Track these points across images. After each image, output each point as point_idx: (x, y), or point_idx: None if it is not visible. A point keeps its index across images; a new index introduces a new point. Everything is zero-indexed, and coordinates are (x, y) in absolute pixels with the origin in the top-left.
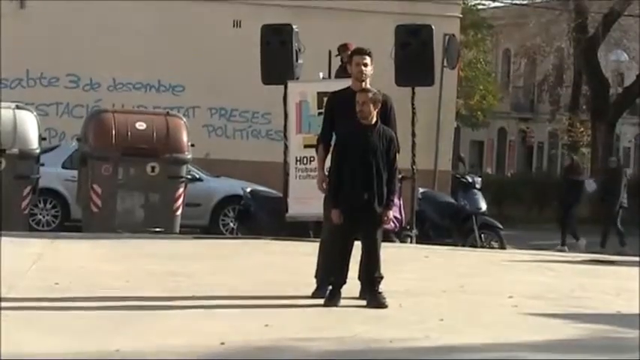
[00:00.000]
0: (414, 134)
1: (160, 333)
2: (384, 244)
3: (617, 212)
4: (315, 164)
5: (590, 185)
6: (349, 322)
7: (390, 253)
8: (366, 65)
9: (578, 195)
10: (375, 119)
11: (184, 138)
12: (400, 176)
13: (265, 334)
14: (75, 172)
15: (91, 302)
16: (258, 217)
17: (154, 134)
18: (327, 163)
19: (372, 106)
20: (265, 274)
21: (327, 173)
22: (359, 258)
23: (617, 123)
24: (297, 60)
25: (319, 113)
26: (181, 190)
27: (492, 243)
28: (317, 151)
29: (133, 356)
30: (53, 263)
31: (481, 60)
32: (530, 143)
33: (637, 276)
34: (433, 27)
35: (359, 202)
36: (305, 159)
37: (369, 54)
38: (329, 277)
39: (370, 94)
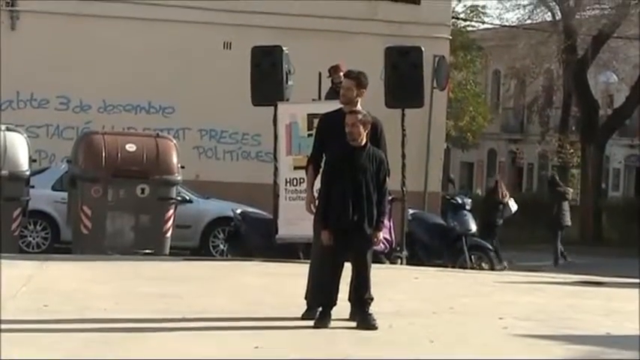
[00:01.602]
0: (403, 156)
1: (150, 355)
2: (374, 266)
3: (558, 231)
4: (305, 186)
5: (512, 206)
6: (339, 343)
7: (380, 274)
8: (350, 90)
9: (498, 215)
10: (364, 141)
11: (174, 159)
12: (390, 198)
13: (255, 355)
14: (65, 194)
15: (80, 324)
16: (248, 238)
17: (144, 156)
18: (317, 184)
19: (361, 127)
20: (255, 295)
21: (316, 195)
22: (349, 279)
23: (606, 144)
24: (287, 81)
25: (309, 135)
26: (171, 211)
27: (482, 264)
28: (307, 172)
29: None
30: (43, 285)
31: (471, 81)
32: (520, 164)
33: (626, 297)
34: (423, 48)
35: (349, 223)
36: (295, 180)
37: (355, 77)
38: (319, 298)
39: (360, 116)
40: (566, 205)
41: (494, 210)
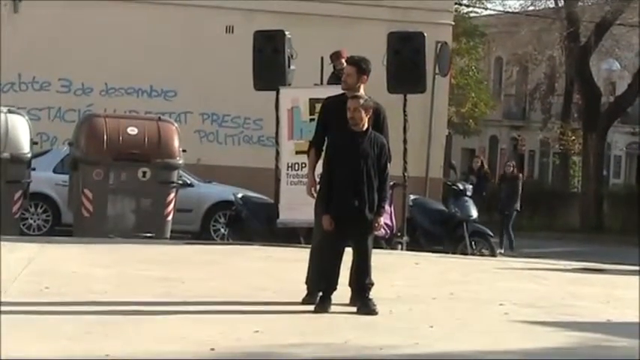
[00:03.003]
0: (405, 141)
1: (150, 338)
2: (374, 251)
3: (511, 217)
4: (306, 170)
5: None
6: (340, 328)
7: (380, 259)
8: (352, 76)
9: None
10: (366, 126)
11: (176, 143)
12: (391, 183)
13: (255, 339)
14: (66, 177)
15: (81, 307)
16: (250, 223)
17: (146, 139)
18: (319, 169)
19: (363, 112)
20: (256, 279)
21: (318, 179)
22: (350, 264)
23: (608, 132)
24: (289, 66)
25: (311, 119)
26: (172, 195)
27: (483, 250)
28: (308, 156)
29: None
30: (44, 268)
31: (473, 68)
32: (522, 151)
33: (627, 284)
34: (425, 34)
35: (350, 208)
36: (296, 165)
37: (356, 64)
38: (320, 283)
39: (361, 101)
40: None
41: (482, 188)
